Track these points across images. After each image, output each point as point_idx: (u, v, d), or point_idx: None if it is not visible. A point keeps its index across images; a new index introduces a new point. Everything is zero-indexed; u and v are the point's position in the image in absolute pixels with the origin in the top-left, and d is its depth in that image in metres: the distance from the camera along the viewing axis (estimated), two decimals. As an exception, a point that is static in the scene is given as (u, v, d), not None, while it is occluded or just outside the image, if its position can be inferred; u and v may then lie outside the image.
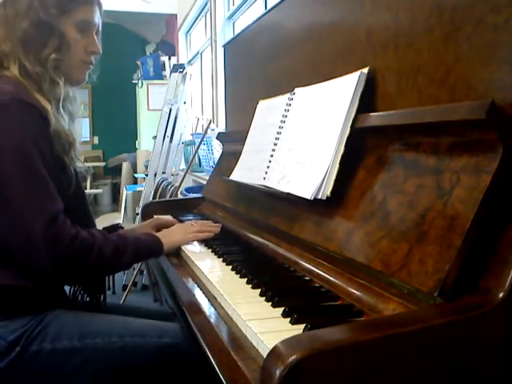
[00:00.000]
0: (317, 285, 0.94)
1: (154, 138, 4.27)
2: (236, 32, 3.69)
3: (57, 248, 1.01)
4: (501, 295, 0.62)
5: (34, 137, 1.03)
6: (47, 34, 1.12)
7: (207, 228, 1.37)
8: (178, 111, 4.08)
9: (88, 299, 1.23)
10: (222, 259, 1.17)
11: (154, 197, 3.57)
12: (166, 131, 4.03)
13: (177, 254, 1.30)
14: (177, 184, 3.40)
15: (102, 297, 1.24)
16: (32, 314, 1.04)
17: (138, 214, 3.50)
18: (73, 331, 1.04)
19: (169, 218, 1.56)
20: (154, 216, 1.63)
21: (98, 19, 1.20)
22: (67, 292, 1.22)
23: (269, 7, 1.56)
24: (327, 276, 0.93)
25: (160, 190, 3.51)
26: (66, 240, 1.01)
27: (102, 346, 1.04)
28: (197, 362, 1.04)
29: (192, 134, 4.14)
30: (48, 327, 1.04)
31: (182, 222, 1.55)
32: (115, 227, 1.42)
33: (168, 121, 4.03)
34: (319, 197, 0.97)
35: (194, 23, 5.62)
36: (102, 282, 1.25)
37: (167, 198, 3.21)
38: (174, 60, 5.96)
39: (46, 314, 1.06)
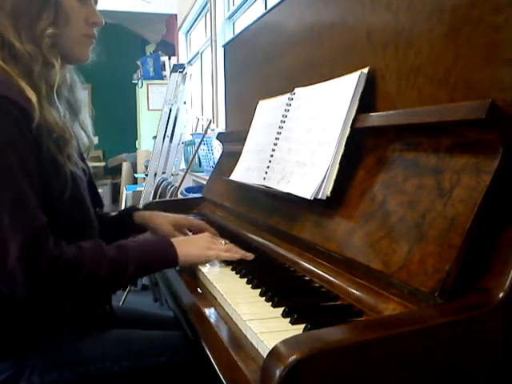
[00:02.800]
0: (317, 285, 0.94)
1: (154, 138, 4.27)
2: (236, 32, 3.69)
3: (34, 272, 0.86)
4: (501, 295, 0.62)
5: (12, 143, 0.88)
6: (40, 3, 0.96)
7: (236, 250, 1.13)
8: (178, 111, 4.08)
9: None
10: (221, 259, 1.17)
11: (154, 197, 3.57)
12: (165, 131, 4.04)
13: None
14: (177, 184, 3.40)
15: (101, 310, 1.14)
16: (19, 355, 0.95)
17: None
18: (63, 360, 0.96)
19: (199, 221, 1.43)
20: None
21: None
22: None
23: (269, 7, 1.56)
24: (327, 276, 0.93)
25: (160, 189, 3.51)
26: (46, 262, 0.87)
27: (95, 375, 0.96)
28: (198, 370, 0.98)
29: (192, 134, 4.14)
30: (36, 359, 0.95)
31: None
32: (131, 209, 1.36)
33: (168, 121, 4.04)
34: (319, 197, 0.97)
35: (194, 23, 5.62)
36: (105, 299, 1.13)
37: (167, 197, 3.21)
38: (174, 60, 5.97)
39: (34, 349, 0.97)
